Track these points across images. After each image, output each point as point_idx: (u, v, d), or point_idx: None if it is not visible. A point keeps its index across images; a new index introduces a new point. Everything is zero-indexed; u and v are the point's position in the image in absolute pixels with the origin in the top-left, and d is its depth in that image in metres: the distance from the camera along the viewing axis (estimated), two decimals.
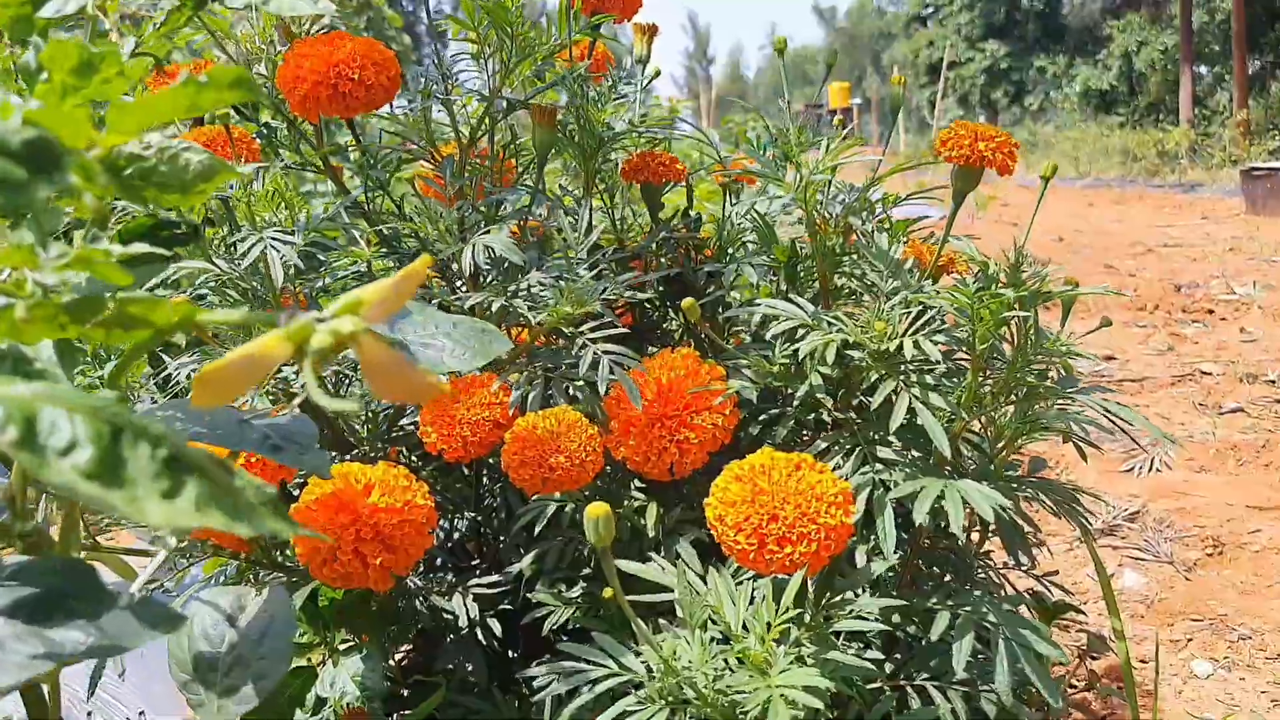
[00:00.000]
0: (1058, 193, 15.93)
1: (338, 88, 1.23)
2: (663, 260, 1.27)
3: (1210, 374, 4.14)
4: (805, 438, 1.18)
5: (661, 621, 1.01)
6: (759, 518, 0.86)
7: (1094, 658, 1.99)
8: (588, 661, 0.92)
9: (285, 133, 1.34)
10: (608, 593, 1.02)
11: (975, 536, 1.40)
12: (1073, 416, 1.27)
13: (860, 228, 1.17)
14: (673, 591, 0.98)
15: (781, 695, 0.79)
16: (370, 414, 1.41)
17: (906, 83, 1.31)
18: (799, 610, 0.87)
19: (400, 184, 1.49)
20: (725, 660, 0.88)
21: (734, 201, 1.28)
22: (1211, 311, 5.41)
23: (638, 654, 0.93)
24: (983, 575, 1.27)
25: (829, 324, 1.03)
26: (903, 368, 1.00)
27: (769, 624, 0.85)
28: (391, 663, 1.32)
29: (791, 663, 0.85)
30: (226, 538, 1.21)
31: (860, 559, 1.02)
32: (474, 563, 1.34)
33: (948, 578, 1.21)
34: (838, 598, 0.92)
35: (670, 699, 0.85)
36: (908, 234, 1.21)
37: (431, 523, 1.09)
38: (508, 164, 1.35)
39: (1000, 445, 1.25)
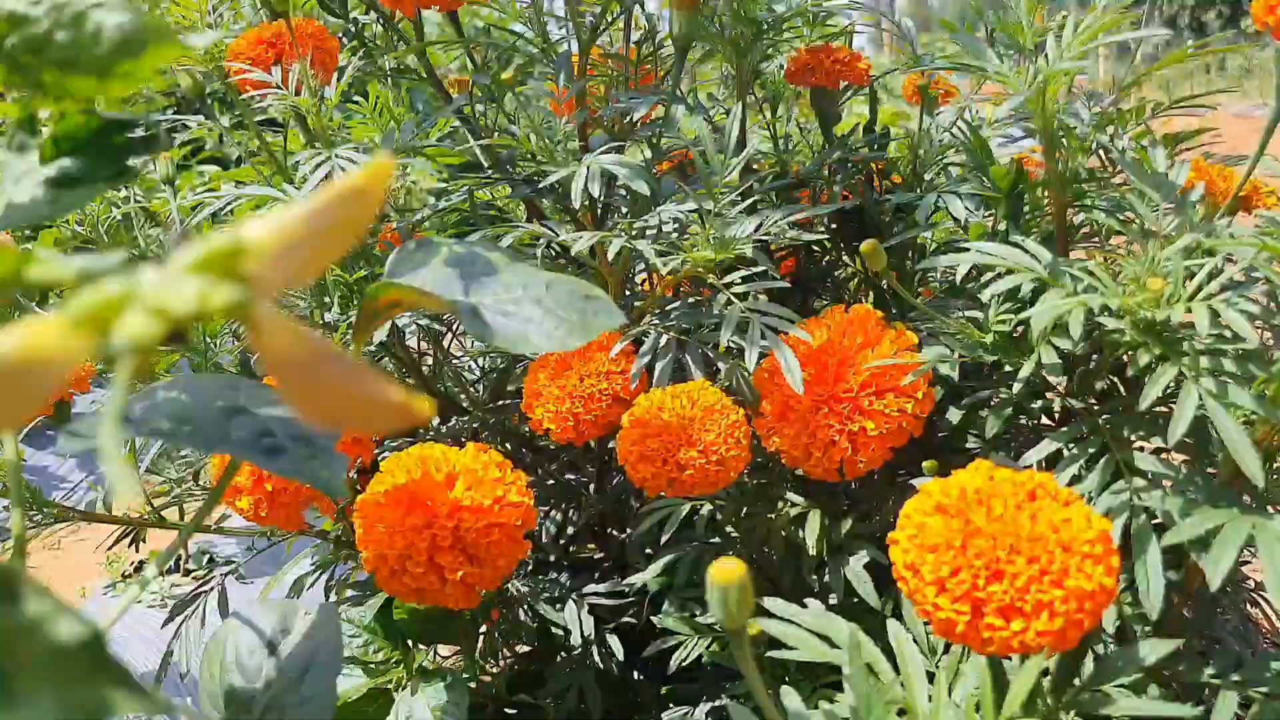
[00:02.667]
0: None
1: None
2: (835, 188, 0.98)
3: None
4: (1024, 430, 0.89)
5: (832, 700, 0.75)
6: (973, 573, 0.58)
7: None
8: None
9: (379, 30, 1.10)
10: (754, 628, 0.77)
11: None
12: None
13: (1112, 144, 0.85)
14: (840, 647, 0.71)
15: None
16: (480, 370, 1.19)
17: None
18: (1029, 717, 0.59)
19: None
20: None
21: (933, 114, 0.97)
22: None
23: None
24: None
25: (1073, 279, 0.72)
26: (1185, 346, 0.69)
27: None
28: (493, 674, 1.10)
29: None
30: (294, 519, 1.01)
31: (1106, 616, 0.72)
32: (595, 559, 1.10)
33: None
34: (1086, 694, 0.63)
35: None
36: (1178, 150, 0.89)
37: (529, 524, 0.85)
38: (643, 66, 1.08)
39: None
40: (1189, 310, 0.66)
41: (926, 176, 0.96)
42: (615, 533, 1.08)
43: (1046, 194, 0.84)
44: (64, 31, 0.43)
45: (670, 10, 0.91)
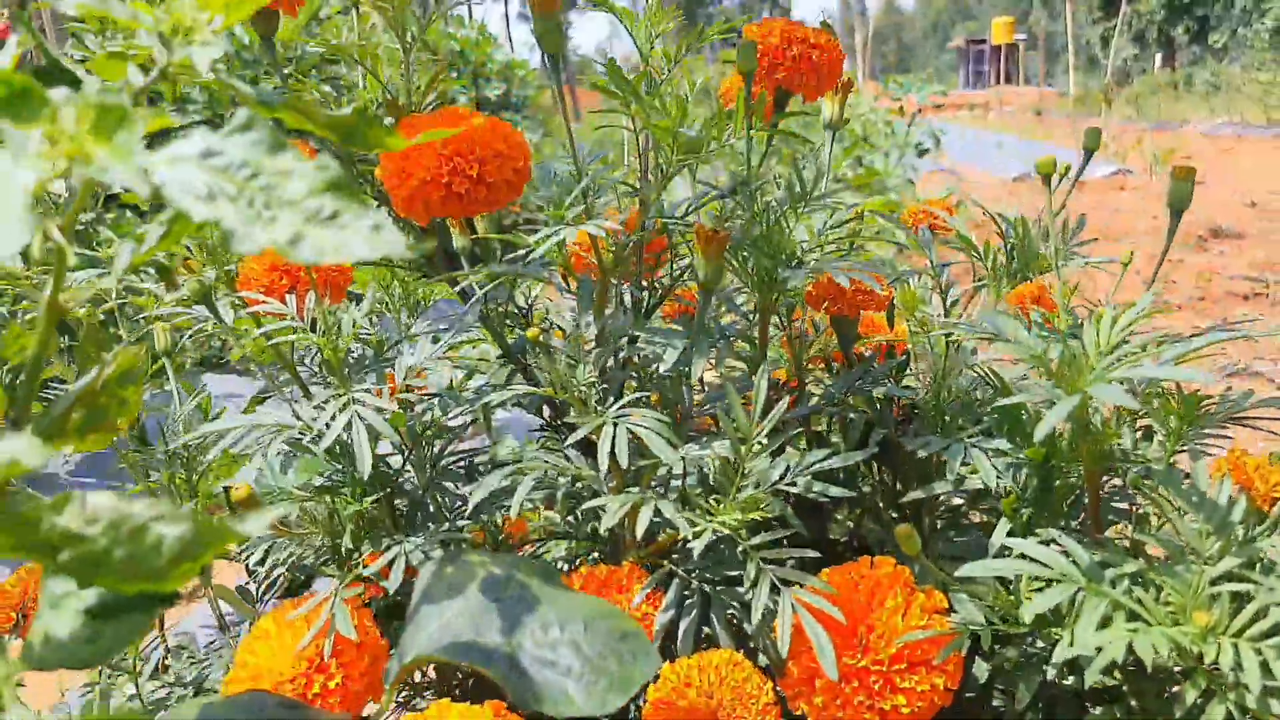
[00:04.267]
0: (1245, 143, 14.55)
1: (451, 187, 0.97)
2: (856, 417, 0.97)
3: None
4: (1055, 686, 0.88)
5: None
6: None
7: None
8: None
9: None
10: None
11: None
12: None
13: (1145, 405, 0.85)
14: None
15: None
16: None
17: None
18: None
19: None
20: None
21: (956, 348, 0.96)
22: None
23: None
24: None
25: (1112, 586, 0.72)
26: (1232, 679, 0.68)
27: None
28: None
29: None
30: None
31: None
32: None
33: None
34: None
35: None
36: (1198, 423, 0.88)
37: None
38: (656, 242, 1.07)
39: None
40: (1240, 654, 0.65)
41: (946, 413, 0.95)
42: None
43: (1078, 467, 0.84)
44: (122, 548, 0.41)
45: (696, 250, 0.90)
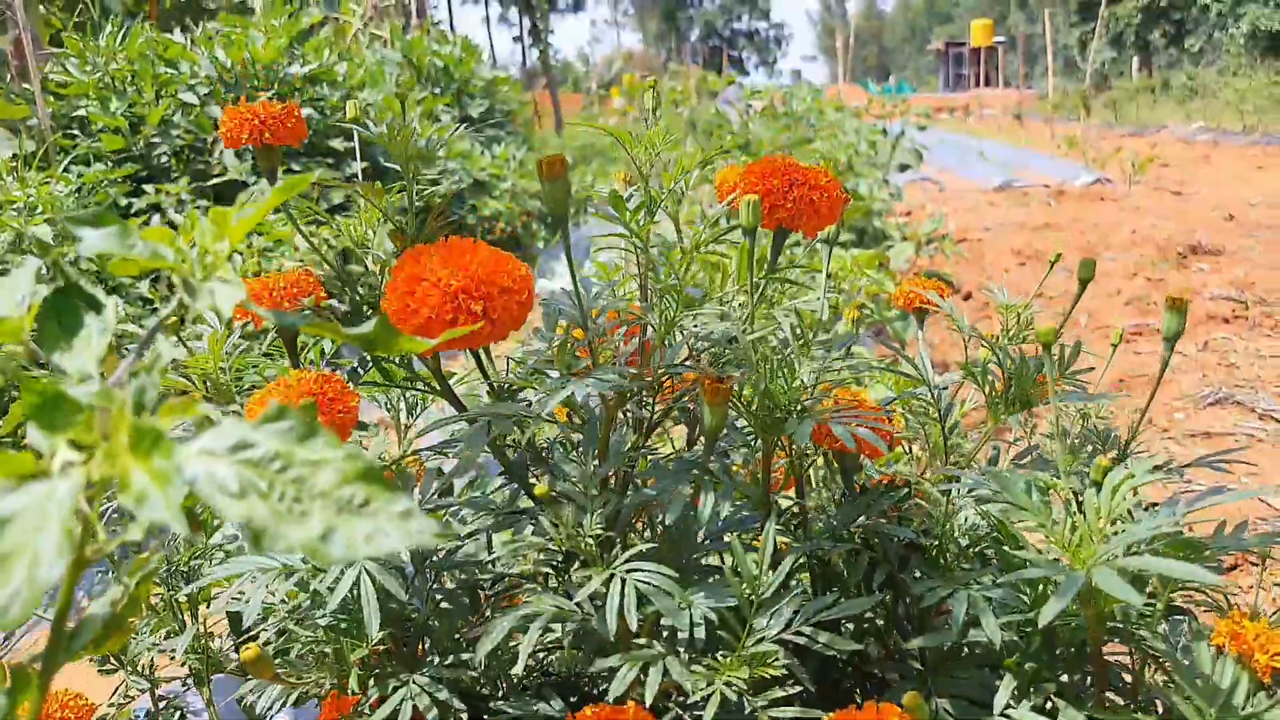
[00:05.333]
0: (1221, 150, 14.68)
1: (456, 324, 0.97)
2: (862, 558, 0.98)
3: None
4: None
5: None
6: None
7: None
8: None
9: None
10: None
11: None
12: None
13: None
14: None
15: None
16: None
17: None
18: None
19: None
20: None
21: (958, 488, 0.98)
22: None
23: None
24: None
25: None
26: None
27: None
28: None
29: None
30: None
31: None
32: None
33: None
34: None
35: None
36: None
37: None
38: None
39: None
40: None
41: (949, 549, 0.96)
42: None
43: (1082, 618, 0.85)
44: None
45: (701, 399, 0.90)
